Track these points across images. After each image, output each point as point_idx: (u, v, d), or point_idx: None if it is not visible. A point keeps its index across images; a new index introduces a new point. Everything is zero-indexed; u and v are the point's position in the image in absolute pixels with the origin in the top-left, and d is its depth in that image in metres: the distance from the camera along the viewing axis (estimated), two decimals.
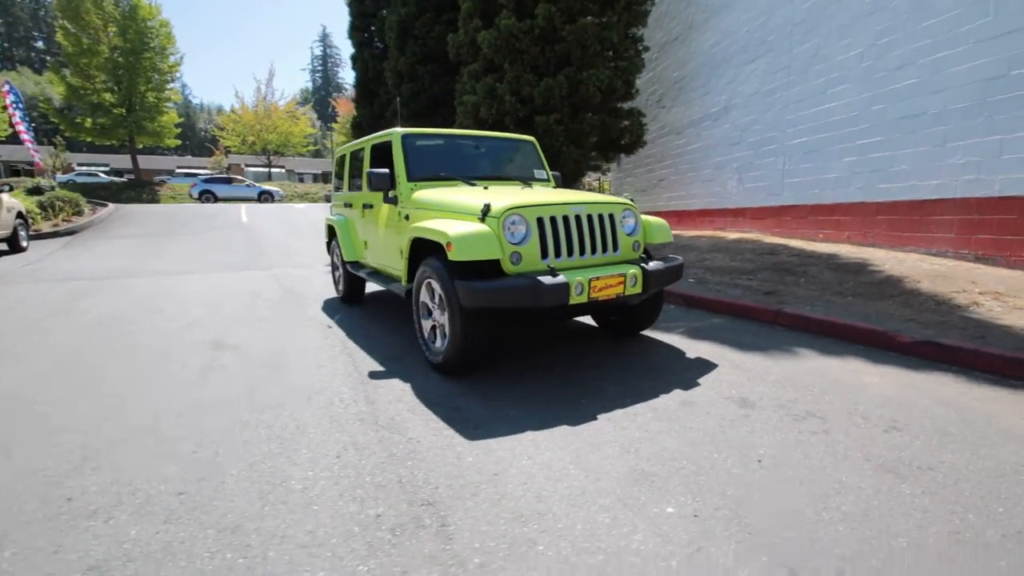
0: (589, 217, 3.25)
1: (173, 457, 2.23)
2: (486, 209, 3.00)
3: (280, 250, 10.20)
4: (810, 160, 7.66)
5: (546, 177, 4.63)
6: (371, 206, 4.56)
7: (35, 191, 14.29)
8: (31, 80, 46.72)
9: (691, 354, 3.64)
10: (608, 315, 4.09)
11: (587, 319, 4.53)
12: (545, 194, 3.51)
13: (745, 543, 1.66)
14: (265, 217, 16.29)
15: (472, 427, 2.51)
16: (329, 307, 5.35)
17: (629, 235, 3.44)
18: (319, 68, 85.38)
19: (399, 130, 4.14)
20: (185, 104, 63.77)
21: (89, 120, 24.95)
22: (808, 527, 1.73)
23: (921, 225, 6.03)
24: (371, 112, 16.58)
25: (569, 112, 8.90)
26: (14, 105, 16.67)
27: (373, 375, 3.29)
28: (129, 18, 24.11)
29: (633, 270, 3.15)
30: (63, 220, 13.41)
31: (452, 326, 3.00)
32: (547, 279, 2.81)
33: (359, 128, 17.42)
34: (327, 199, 27.78)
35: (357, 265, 5.05)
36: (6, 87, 17.26)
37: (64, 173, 25.16)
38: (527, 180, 4.43)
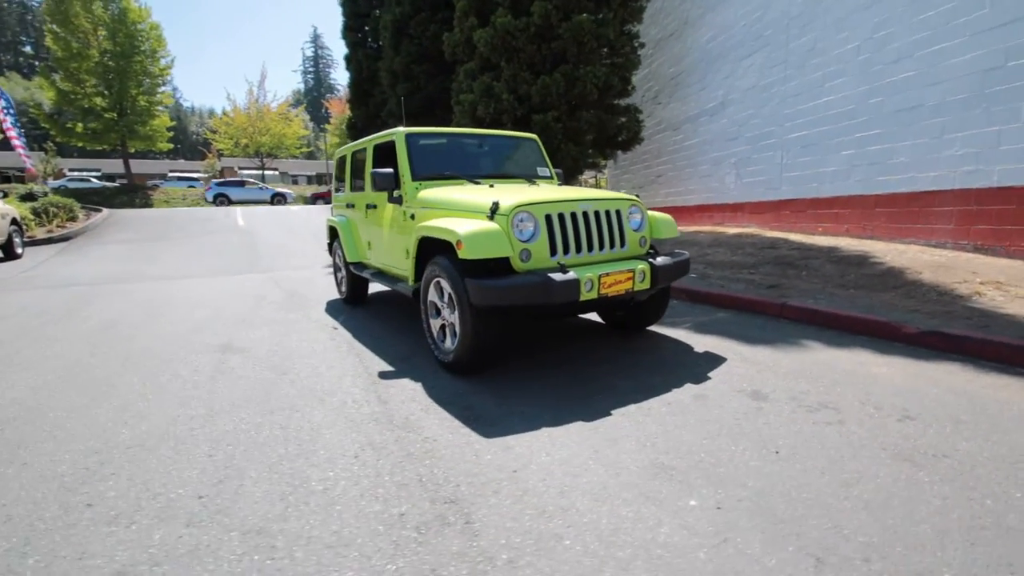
0: (596, 213, 3.25)
1: (190, 461, 2.22)
2: (495, 207, 3.00)
3: (278, 252, 10.17)
4: (808, 154, 7.69)
5: (549, 174, 4.63)
6: (374, 206, 4.54)
7: (28, 197, 14.20)
8: (20, 85, 46.28)
9: (699, 348, 3.65)
10: (614, 311, 4.10)
11: (593, 315, 4.53)
12: (552, 191, 3.51)
13: (770, 533, 1.67)
14: (261, 220, 16.23)
15: (487, 425, 2.51)
16: (333, 308, 5.34)
17: (636, 231, 3.44)
18: (311, 69, 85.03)
19: (402, 129, 4.13)
20: (176, 107, 63.40)
21: (80, 125, 24.80)
22: (831, 516, 1.75)
23: (920, 217, 6.07)
24: (366, 113, 16.54)
25: (566, 109, 8.91)
26: (5, 110, 16.50)
27: (383, 375, 3.28)
28: (119, 21, 23.96)
29: (641, 266, 3.16)
30: (57, 226, 13.32)
31: (463, 325, 3.00)
32: (558, 276, 2.81)
33: (354, 129, 17.37)
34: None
35: (360, 266, 5.03)
36: None
37: (55, 179, 24.99)
38: (531, 178, 4.43)
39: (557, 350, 3.68)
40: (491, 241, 2.86)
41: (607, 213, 3.30)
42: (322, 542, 1.68)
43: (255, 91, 37.01)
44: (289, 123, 36.08)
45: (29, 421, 2.69)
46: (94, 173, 38.16)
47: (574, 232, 3.15)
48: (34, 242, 11.55)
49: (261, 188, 28.32)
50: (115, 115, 24.94)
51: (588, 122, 8.97)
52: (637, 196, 3.60)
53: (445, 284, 3.12)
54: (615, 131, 9.69)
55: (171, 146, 30.89)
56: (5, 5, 63.16)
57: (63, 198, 14.77)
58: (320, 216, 17.27)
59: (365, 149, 4.79)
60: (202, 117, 74.96)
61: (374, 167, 4.49)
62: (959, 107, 5.59)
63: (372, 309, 5.30)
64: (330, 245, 5.99)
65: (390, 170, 3.92)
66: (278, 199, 27.22)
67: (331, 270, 7.75)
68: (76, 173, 35.65)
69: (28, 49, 64.32)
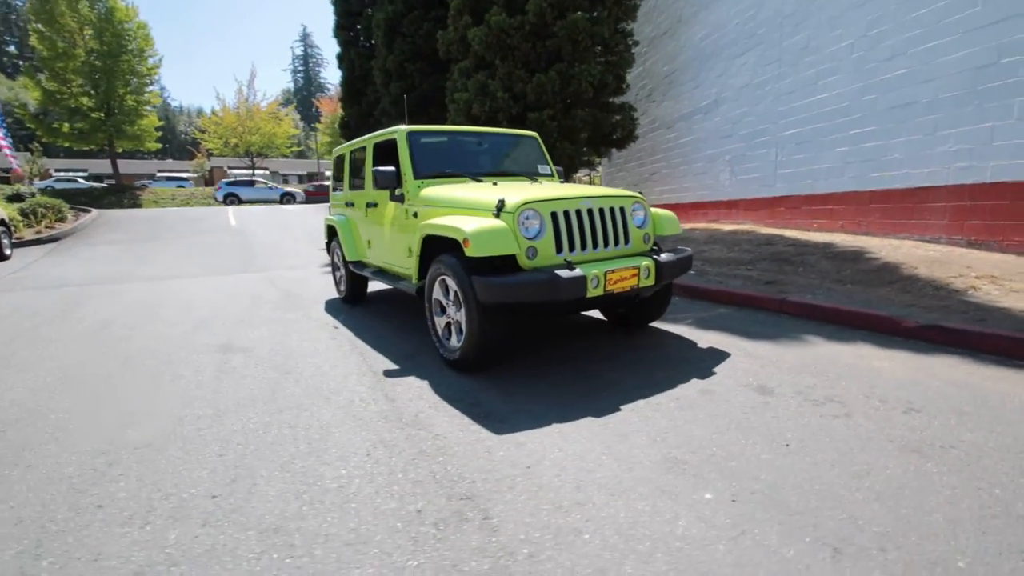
0: (600, 211, 3.26)
1: (199, 461, 2.21)
2: (500, 204, 2.99)
3: (271, 252, 10.09)
4: (803, 151, 7.75)
5: (550, 172, 4.64)
6: (375, 204, 4.52)
7: (15, 198, 13.99)
8: (4, 85, 45.50)
9: (702, 344, 3.67)
10: (617, 308, 4.11)
11: (594, 312, 4.54)
12: (555, 189, 3.52)
13: (787, 524, 1.68)
14: (253, 219, 16.09)
15: (497, 422, 2.51)
16: (332, 308, 5.31)
17: (639, 227, 3.46)
18: (300, 68, 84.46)
19: (404, 128, 4.12)
20: (164, 107, 62.72)
21: (67, 125, 24.44)
22: (845, 507, 1.76)
23: (914, 212, 6.14)
24: (359, 111, 16.43)
25: (561, 108, 8.91)
26: None
27: (388, 373, 3.27)
28: (105, 20, 23.61)
29: (646, 262, 3.18)
30: (46, 227, 13.12)
31: (469, 322, 3.00)
32: (564, 273, 2.82)
33: (347, 128, 17.26)
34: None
35: (360, 264, 5.01)
36: None
37: (41, 179, 24.63)
38: (532, 175, 4.44)
39: (561, 347, 3.69)
40: (498, 239, 2.86)
41: (611, 210, 3.31)
42: (340, 540, 1.67)
43: (244, 90, 36.53)
44: (279, 122, 35.75)
45: (30, 423, 2.65)
46: (81, 173, 37.63)
47: (579, 229, 3.15)
48: (22, 243, 11.38)
49: (271, 188, 28.84)
50: (102, 115, 24.59)
51: (583, 120, 8.97)
52: (640, 193, 3.61)
53: (451, 282, 3.11)
54: (610, 129, 9.71)
55: (159, 146, 30.52)
56: None
57: (51, 199, 14.56)
58: (311, 215, 17.16)
59: (364, 148, 4.77)
60: (190, 117, 74.23)
61: (374, 166, 4.47)
62: (952, 104, 5.66)
63: (371, 308, 5.28)
64: (328, 244, 5.95)
65: (392, 168, 3.90)
66: (287, 198, 27.68)
67: (325, 269, 7.73)
68: (62, 173, 35.17)
69: (12, 49, 63.24)
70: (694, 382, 2.94)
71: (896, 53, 6.23)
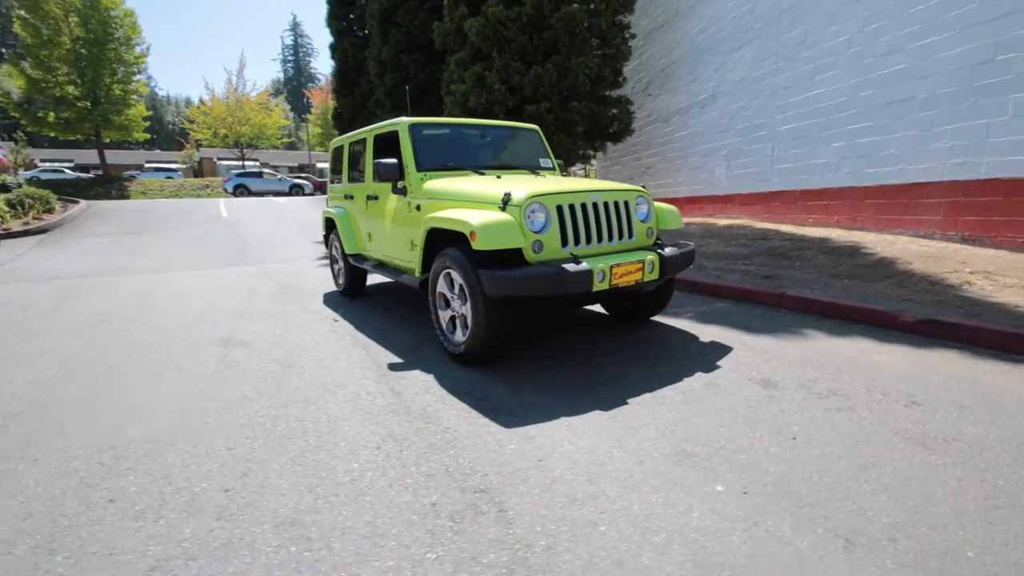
0: (605, 204, 3.27)
1: (209, 454, 2.20)
2: (507, 198, 2.99)
3: (265, 244, 10.01)
4: (799, 146, 7.80)
5: (551, 165, 4.63)
6: (376, 197, 4.50)
7: (2, 188, 13.72)
8: None
9: (704, 338, 3.70)
10: (619, 302, 4.13)
11: (596, 306, 4.56)
12: (560, 182, 3.51)
13: (798, 516, 1.71)
14: (245, 211, 15.94)
15: (505, 415, 2.52)
16: (330, 301, 5.28)
17: (643, 221, 3.47)
18: (291, 58, 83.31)
19: (406, 120, 4.08)
20: (152, 96, 61.69)
21: (52, 114, 23.94)
22: (854, 498, 1.79)
23: (909, 208, 6.21)
24: (352, 102, 16.27)
25: (558, 100, 8.88)
26: None
27: (392, 367, 3.27)
28: (91, 7, 23.09)
29: (650, 256, 3.19)
30: (34, 218, 12.89)
31: (475, 316, 2.99)
32: (571, 267, 2.82)
33: (340, 119, 17.09)
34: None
35: (360, 258, 4.98)
36: None
37: (26, 169, 24.18)
38: (533, 168, 4.43)
39: (564, 341, 3.70)
40: (505, 232, 2.85)
41: (615, 204, 3.31)
42: (357, 533, 1.68)
43: (234, 80, 36.02)
44: (269, 113, 35.33)
45: (33, 416, 2.63)
46: (67, 164, 37.00)
47: (584, 223, 3.16)
48: (10, 235, 11.18)
49: (280, 179, 28.96)
50: (88, 104, 24.13)
51: (580, 113, 8.95)
52: (644, 187, 3.62)
53: (456, 275, 3.11)
54: (606, 122, 9.69)
55: (147, 136, 30.03)
56: None
57: (39, 189, 14.31)
58: (303, 207, 17.03)
59: (364, 140, 4.73)
60: (178, 107, 73.10)
61: (375, 158, 4.44)
62: (949, 100, 5.71)
63: (371, 301, 5.26)
64: (327, 237, 5.90)
65: (394, 160, 3.88)
66: (296, 189, 27.89)
67: (320, 262, 7.69)
68: (48, 164, 34.56)
69: None
70: (698, 376, 2.97)
71: (893, 49, 6.27)
